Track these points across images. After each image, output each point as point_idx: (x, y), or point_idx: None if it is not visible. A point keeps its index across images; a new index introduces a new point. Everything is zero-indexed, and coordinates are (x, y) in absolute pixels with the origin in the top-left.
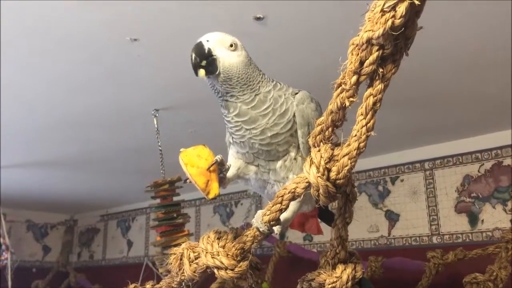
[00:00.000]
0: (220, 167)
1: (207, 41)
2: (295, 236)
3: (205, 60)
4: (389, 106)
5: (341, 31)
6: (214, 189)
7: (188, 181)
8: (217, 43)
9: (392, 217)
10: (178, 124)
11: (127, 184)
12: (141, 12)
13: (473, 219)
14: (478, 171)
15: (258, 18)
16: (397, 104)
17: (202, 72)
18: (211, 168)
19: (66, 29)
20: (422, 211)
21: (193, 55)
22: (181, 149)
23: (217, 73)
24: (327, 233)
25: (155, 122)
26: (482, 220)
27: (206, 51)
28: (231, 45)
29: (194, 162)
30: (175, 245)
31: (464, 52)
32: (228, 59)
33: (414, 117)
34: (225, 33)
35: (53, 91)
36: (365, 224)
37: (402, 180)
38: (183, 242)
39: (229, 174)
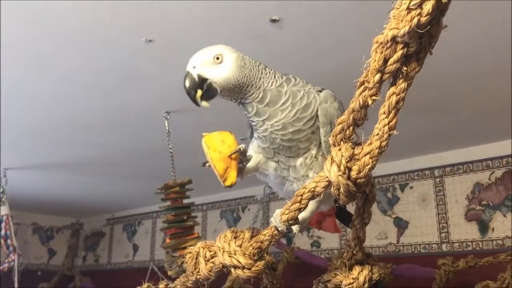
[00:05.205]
0: (241, 157)
1: (194, 67)
2: (302, 242)
3: (200, 87)
4: (399, 113)
5: (356, 33)
6: (232, 177)
7: (207, 165)
8: (202, 64)
9: (401, 224)
10: (189, 127)
11: (134, 188)
12: (157, 14)
13: (483, 227)
14: (489, 179)
15: (274, 20)
16: (407, 110)
17: (204, 102)
18: (233, 156)
19: (80, 29)
20: (432, 218)
21: (187, 89)
22: (204, 133)
23: (218, 92)
24: (334, 238)
25: (167, 125)
26: (493, 228)
27: (197, 78)
28: (217, 58)
29: (217, 146)
30: (185, 248)
31: (476, 59)
32: (220, 74)
33: (424, 124)
34: (207, 48)
35: (64, 93)
36: (374, 231)
37: (411, 187)
38: (192, 245)
39: (248, 165)
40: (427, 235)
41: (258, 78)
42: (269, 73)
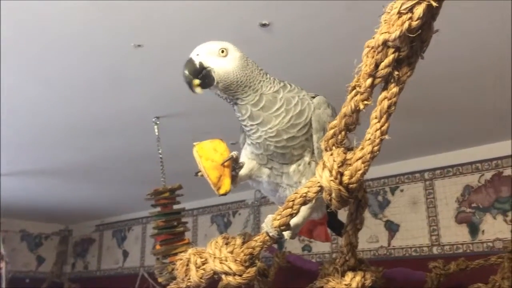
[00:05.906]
0: (234, 164)
1: (197, 55)
2: (293, 246)
3: (199, 74)
4: (391, 117)
5: (346, 37)
6: (226, 185)
7: (200, 174)
8: (207, 54)
9: (392, 228)
10: (179, 132)
11: (123, 194)
12: (146, 18)
13: (474, 230)
14: (479, 181)
15: (264, 25)
16: (397, 113)
17: (198, 89)
18: (226, 164)
19: (70, 34)
20: (422, 221)
21: (186, 73)
22: (194, 143)
23: (215, 83)
24: (325, 243)
25: (156, 130)
26: (483, 231)
27: (198, 65)
28: (222, 51)
29: (209, 155)
30: (175, 254)
31: (465, 63)
32: (222, 66)
33: (414, 127)
34: (214, 41)
35: (52, 98)
36: (365, 235)
37: (402, 190)
38: (183, 251)
39: (241, 173)
40: (418, 238)
41: (258, 81)
42: (269, 78)
